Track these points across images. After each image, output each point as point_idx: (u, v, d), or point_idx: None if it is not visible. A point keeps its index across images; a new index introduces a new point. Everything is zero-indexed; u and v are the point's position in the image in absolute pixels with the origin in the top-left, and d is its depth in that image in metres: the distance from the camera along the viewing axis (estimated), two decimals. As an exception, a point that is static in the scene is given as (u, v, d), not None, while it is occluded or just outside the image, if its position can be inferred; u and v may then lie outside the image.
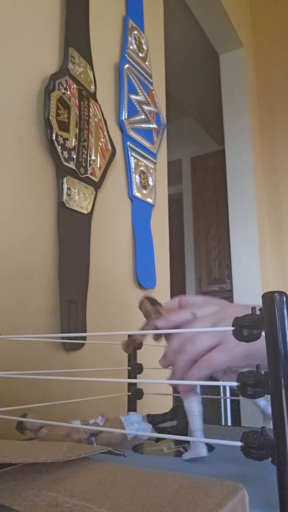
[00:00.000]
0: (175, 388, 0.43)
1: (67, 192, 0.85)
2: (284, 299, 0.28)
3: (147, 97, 1.21)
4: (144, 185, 1.16)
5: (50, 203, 0.83)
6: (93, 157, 0.94)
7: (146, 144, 1.19)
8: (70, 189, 0.86)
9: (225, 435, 0.52)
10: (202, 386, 2.00)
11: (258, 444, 0.28)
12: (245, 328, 0.30)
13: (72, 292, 0.84)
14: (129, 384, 0.69)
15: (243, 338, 0.30)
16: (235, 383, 0.30)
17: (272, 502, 0.27)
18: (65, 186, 0.84)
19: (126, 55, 1.15)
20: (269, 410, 0.42)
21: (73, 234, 0.86)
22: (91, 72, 0.98)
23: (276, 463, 0.26)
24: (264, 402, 0.43)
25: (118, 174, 1.07)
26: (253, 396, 0.28)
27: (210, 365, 0.39)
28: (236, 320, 0.30)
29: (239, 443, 0.29)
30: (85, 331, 0.85)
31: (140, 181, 1.15)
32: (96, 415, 0.57)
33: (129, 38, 1.18)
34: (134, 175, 1.12)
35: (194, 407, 0.41)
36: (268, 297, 0.28)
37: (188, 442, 0.46)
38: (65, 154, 0.85)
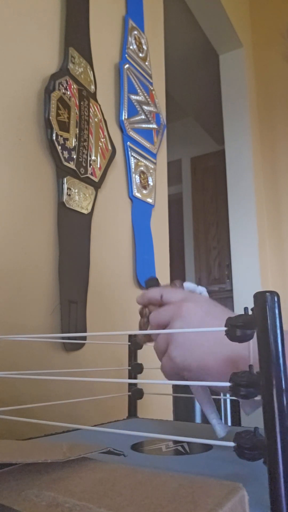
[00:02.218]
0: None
1: (67, 192, 0.85)
2: (276, 299, 0.28)
3: (147, 97, 1.21)
4: (144, 185, 1.16)
5: (50, 203, 0.83)
6: (93, 157, 0.94)
7: (146, 144, 1.19)
8: (70, 189, 0.86)
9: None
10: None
11: (251, 444, 0.28)
12: (238, 328, 0.30)
13: (72, 292, 0.84)
14: (130, 384, 0.69)
15: (236, 338, 0.30)
16: (228, 384, 0.30)
17: (272, 502, 0.27)
18: (65, 186, 0.84)
19: (126, 55, 1.15)
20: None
21: (73, 234, 0.86)
22: (91, 72, 0.98)
23: (267, 463, 0.26)
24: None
25: (118, 174, 1.07)
26: (246, 397, 0.28)
27: (164, 371, 0.44)
28: (229, 320, 0.30)
29: (232, 444, 0.29)
30: (85, 331, 0.85)
31: (140, 181, 1.15)
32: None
33: (129, 38, 1.18)
34: (134, 175, 1.12)
35: (201, 396, 0.45)
36: (260, 297, 0.28)
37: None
38: (65, 154, 0.85)
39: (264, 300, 0.28)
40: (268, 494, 0.26)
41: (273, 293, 0.28)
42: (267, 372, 0.27)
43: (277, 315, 0.27)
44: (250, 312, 0.29)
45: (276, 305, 0.27)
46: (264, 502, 0.27)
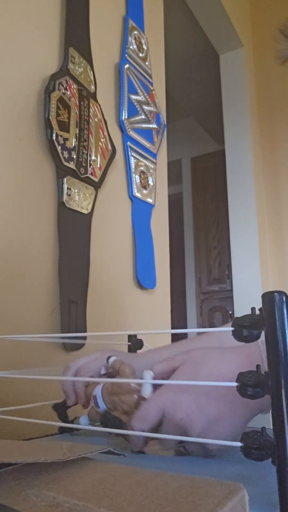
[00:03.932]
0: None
1: (67, 192, 0.85)
2: (284, 299, 0.28)
3: (147, 97, 1.21)
4: (144, 185, 1.16)
5: (50, 203, 0.83)
6: (93, 157, 0.94)
7: (146, 144, 1.19)
8: (70, 189, 0.86)
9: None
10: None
11: (258, 444, 0.27)
12: (244, 328, 0.30)
13: (72, 292, 0.84)
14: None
15: (243, 338, 0.30)
16: (235, 384, 0.30)
17: (272, 502, 0.27)
18: (65, 186, 0.84)
19: (126, 55, 1.15)
20: None
21: (73, 234, 0.86)
22: (91, 72, 0.98)
23: (277, 463, 0.26)
24: None
25: (118, 174, 1.07)
26: (253, 397, 0.28)
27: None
28: (236, 320, 0.30)
29: (239, 444, 0.29)
30: (85, 331, 0.85)
31: (140, 181, 1.15)
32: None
33: (129, 38, 1.18)
34: (134, 175, 1.12)
35: None
36: (268, 297, 0.28)
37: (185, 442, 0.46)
38: (65, 154, 0.85)
39: (273, 300, 0.28)
40: (272, 495, 0.26)
41: (282, 293, 0.28)
42: (276, 372, 0.27)
43: (285, 315, 0.27)
44: (257, 312, 0.29)
45: (285, 305, 0.27)
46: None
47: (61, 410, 0.53)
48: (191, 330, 0.40)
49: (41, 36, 0.87)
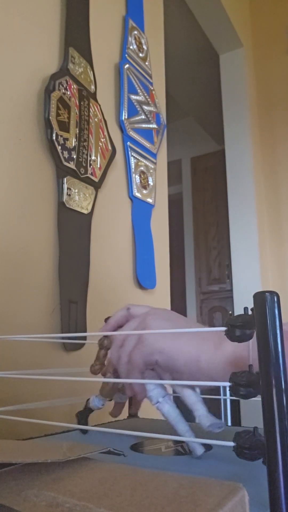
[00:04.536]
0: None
1: (67, 192, 0.85)
2: (275, 299, 0.28)
3: (147, 97, 1.21)
4: (144, 185, 1.16)
5: (50, 203, 0.83)
6: (93, 157, 0.94)
7: (146, 144, 1.19)
8: (70, 189, 0.86)
9: (224, 435, 0.52)
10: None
11: (250, 444, 0.28)
12: (237, 328, 0.30)
13: (72, 292, 0.84)
14: None
15: (236, 338, 0.30)
16: (228, 383, 0.30)
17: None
18: (65, 186, 0.84)
19: (126, 55, 1.15)
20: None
21: (73, 234, 0.86)
22: (91, 72, 0.98)
23: (267, 463, 0.26)
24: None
25: (118, 174, 1.07)
26: (245, 397, 0.28)
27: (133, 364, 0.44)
28: (229, 320, 0.31)
29: (231, 443, 0.29)
30: (85, 331, 0.85)
31: (140, 181, 1.15)
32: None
33: (129, 38, 1.18)
34: (134, 175, 1.12)
35: (171, 413, 0.43)
36: (259, 297, 0.28)
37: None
38: (65, 154, 0.85)
39: (264, 300, 0.28)
40: (265, 494, 0.26)
41: (273, 293, 0.28)
42: (267, 372, 0.27)
43: (276, 315, 0.27)
44: (249, 312, 0.29)
45: (276, 305, 0.27)
46: (264, 502, 0.27)
47: (82, 416, 0.54)
48: (190, 330, 0.40)
49: (41, 36, 0.87)
